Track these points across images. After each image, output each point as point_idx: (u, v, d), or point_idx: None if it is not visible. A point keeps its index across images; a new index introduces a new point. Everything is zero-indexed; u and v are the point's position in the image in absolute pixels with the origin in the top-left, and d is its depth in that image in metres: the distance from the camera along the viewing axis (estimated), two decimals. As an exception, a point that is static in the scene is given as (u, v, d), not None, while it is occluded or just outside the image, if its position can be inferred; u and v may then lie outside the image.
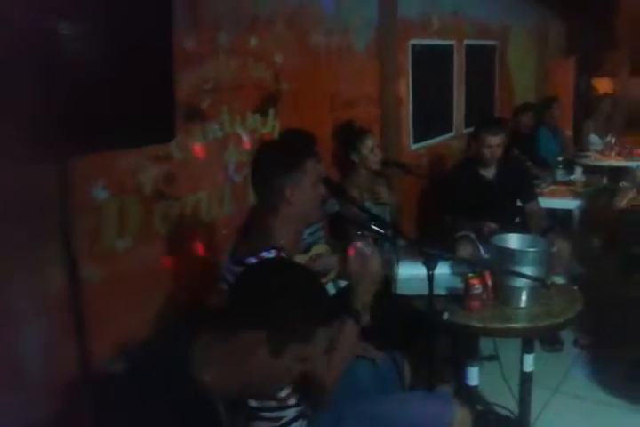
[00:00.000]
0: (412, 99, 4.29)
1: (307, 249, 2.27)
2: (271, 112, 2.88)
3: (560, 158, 4.94)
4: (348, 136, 3.29)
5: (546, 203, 3.93)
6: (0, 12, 1.29)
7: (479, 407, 2.70)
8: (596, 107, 6.08)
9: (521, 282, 2.28)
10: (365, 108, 3.76)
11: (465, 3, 4.92)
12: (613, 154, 5.35)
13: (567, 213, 4.37)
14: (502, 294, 2.35)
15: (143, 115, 1.62)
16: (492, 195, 3.37)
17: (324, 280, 2.06)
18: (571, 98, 7.12)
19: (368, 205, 3.04)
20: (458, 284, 2.44)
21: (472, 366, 2.50)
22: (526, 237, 2.52)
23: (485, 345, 2.84)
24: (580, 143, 6.04)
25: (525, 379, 2.58)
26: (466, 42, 5.04)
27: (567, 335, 3.38)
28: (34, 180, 1.77)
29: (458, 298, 2.35)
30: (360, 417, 1.80)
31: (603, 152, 5.46)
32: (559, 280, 2.52)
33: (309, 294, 1.27)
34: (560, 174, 4.80)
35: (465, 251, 3.08)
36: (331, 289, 2.31)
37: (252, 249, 1.72)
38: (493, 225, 3.17)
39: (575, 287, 2.52)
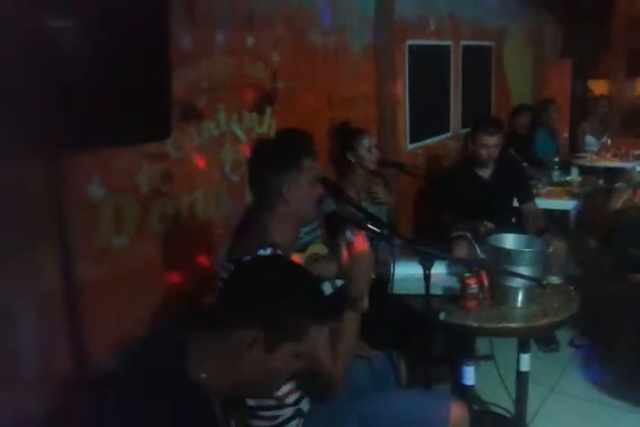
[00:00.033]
0: (409, 99, 4.29)
1: (303, 248, 2.27)
2: (268, 111, 2.88)
3: (556, 159, 4.95)
4: (345, 136, 3.29)
5: (542, 203, 3.94)
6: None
7: (475, 407, 2.70)
8: (592, 108, 6.10)
9: (517, 282, 2.28)
10: (362, 107, 3.77)
11: (462, 4, 4.93)
12: (609, 155, 5.37)
13: (563, 213, 4.38)
14: (499, 294, 2.35)
15: (139, 112, 1.61)
16: (489, 195, 3.37)
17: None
18: (567, 99, 7.13)
19: (365, 204, 3.04)
20: (454, 283, 2.44)
21: (468, 365, 2.49)
22: (522, 237, 2.52)
23: (482, 345, 2.85)
24: (575, 144, 6.06)
25: (521, 378, 2.58)
26: (463, 43, 5.05)
27: (563, 335, 3.39)
28: (29, 177, 1.77)
29: (454, 298, 2.35)
30: (357, 416, 1.80)
31: (598, 153, 5.48)
32: (555, 280, 2.52)
33: (303, 291, 1.27)
34: (556, 175, 4.81)
35: (461, 251, 3.08)
36: (327, 289, 2.31)
37: (248, 248, 1.72)
38: (490, 225, 3.17)
39: (571, 287, 2.52)
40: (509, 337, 2.59)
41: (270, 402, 1.74)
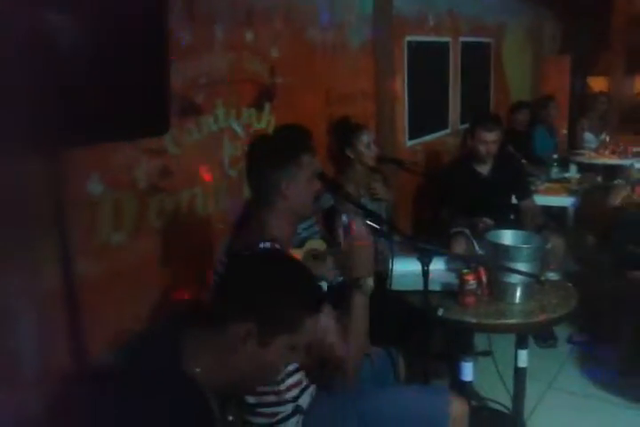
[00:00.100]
0: (408, 95, 4.29)
1: (301, 244, 2.27)
2: (266, 107, 2.87)
3: (555, 156, 4.96)
4: (344, 132, 3.28)
5: (541, 200, 3.94)
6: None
7: (473, 403, 2.70)
8: (591, 105, 6.09)
9: (515, 278, 2.29)
10: (361, 103, 3.76)
11: (460, 0, 4.92)
12: (607, 152, 5.37)
13: (562, 210, 4.39)
14: (497, 290, 2.36)
15: (137, 108, 1.61)
16: (488, 191, 3.37)
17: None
18: (566, 96, 7.12)
19: (364, 201, 3.04)
20: (453, 280, 2.44)
21: (466, 361, 2.50)
22: (521, 233, 2.53)
23: (480, 341, 2.86)
24: (574, 141, 6.06)
25: (519, 374, 2.58)
26: (461, 39, 5.04)
27: (561, 331, 3.40)
28: (28, 174, 1.76)
29: (452, 294, 2.36)
30: (357, 412, 1.80)
31: (597, 150, 5.48)
32: (553, 277, 2.53)
33: (297, 284, 1.26)
34: (555, 172, 4.82)
35: (460, 247, 3.08)
36: (324, 285, 2.31)
37: (246, 243, 1.72)
38: (489, 221, 3.17)
39: (569, 284, 2.53)
40: (507, 333, 2.59)
41: (270, 399, 1.75)
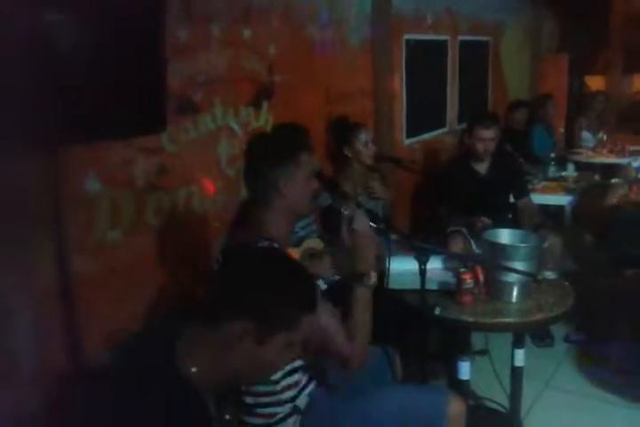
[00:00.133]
0: (406, 93, 4.28)
1: (299, 243, 2.27)
2: (265, 105, 2.87)
3: (552, 155, 4.96)
4: (342, 130, 3.28)
5: (538, 199, 3.95)
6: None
7: (470, 402, 2.70)
8: (589, 104, 6.09)
9: (512, 277, 2.29)
10: (359, 102, 3.76)
11: (459, -2, 4.93)
12: (605, 151, 5.37)
13: (559, 209, 4.39)
14: (494, 289, 2.36)
15: (134, 106, 1.61)
16: (485, 190, 3.37)
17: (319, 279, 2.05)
18: (564, 95, 7.13)
19: (362, 199, 3.03)
20: (450, 278, 2.44)
21: (463, 360, 2.51)
22: (518, 232, 2.53)
23: (477, 340, 2.86)
24: (572, 140, 6.06)
25: (516, 373, 2.59)
26: (460, 37, 5.03)
27: (558, 330, 3.40)
28: (25, 172, 1.76)
29: (450, 293, 2.35)
30: (355, 413, 1.80)
31: (594, 149, 5.48)
32: (551, 275, 2.53)
33: (293, 281, 1.26)
34: (552, 171, 4.82)
35: (457, 246, 3.08)
36: (322, 284, 2.31)
37: (244, 242, 1.71)
38: (487, 220, 3.17)
39: (566, 283, 2.53)
40: (504, 332, 2.60)
41: (267, 399, 1.75)
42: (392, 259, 2.02)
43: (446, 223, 3.33)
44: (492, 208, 3.32)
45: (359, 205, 2.16)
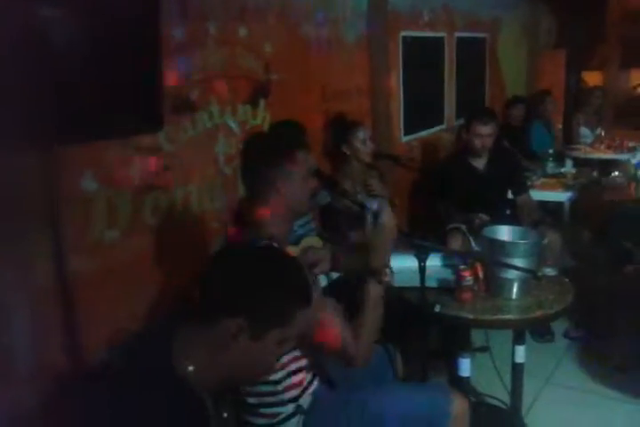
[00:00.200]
0: (403, 91, 4.27)
1: (297, 241, 2.26)
2: (262, 103, 2.86)
3: (551, 151, 4.95)
4: (340, 128, 3.28)
5: (536, 195, 3.94)
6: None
7: (471, 399, 2.70)
8: (586, 100, 6.08)
9: (512, 274, 2.28)
10: (356, 99, 3.75)
11: (455, -6, 4.92)
12: (603, 147, 5.36)
13: (558, 205, 4.38)
14: (493, 286, 2.35)
15: (131, 105, 1.60)
16: (483, 186, 3.37)
17: (316, 271, 2.05)
18: (561, 91, 7.12)
19: (360, 197, 3.03)
20: (449, 276, 2.44)
21: (464, 357, 2.50)
22: (517, 229, 2.52)
23: (477, 337, 2.85)
24: (569, 136, 6.05)
25: (517, 370, 2.59)
26: (456, 34, 5.02)
27: (558, 326, 3.40)
28: (22, 171, 1.75)
29: (449, 290, 2.35)
30: (358, 410, 1.79)
31: (593, 145, 5.47)
32: (550, 272, 2.52)
33: (286, 276, 1.25)
34: (550, 167, 4.82)
35: (456, 243, 3.08)
36: (323, 281, 2.30)
37: (242, 241, 1.71)
38: (485, 217, 3.17)
39: (566, 279, 2.53)
40: (504, 329, 2.59)
41: (270, 399, 1.74)
42: (391, 257, 2.01)
43: (445, 220, 3.33)
44: (491, 205, 3.32)
45: (357, 203, 2.16)
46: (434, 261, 2.49)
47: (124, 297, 2.12)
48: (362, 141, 3.18)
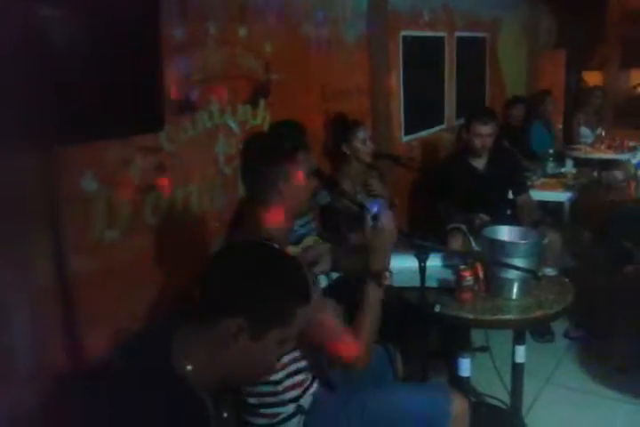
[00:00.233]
0: (404, 90, 4.27)
1: (298, 241, 2.27)
2: (262, 103, 2.85)
3: (551, 151, 4.95)
4: (341, 128, 3.27)
5: (537, 195, 3.94)
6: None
7: (471, 399, 2.70)
8: (587, 100, 6.08)
9: (512, 274, 2.28)
10: (356, 99, 3.74)
11: (456, -6, 4.91)
12: (603, 146, 5.36)
13: (558, 205, 4.38)
14: (494, 286, 2.35)
15: (131, 105, 1.60)
16: (483, 186, 3.37)
17: (316, 270, 2.05)
18: (561, 91, 7.12)
19: (360, 197, 3.03)
20: (449, 276, 2.44)
21: (464, 357, 2.50)
22: (517, 229, 2.52)
23: (477, 337, 2.85)
24: (570, 136, 6.05)
25: (517, 370, 2.58)
26: (457, 34, 5.02)
27: (558, 327, 3.40)
28: (22, 171, 1.75)
29: (449, 290, 2.35)
30: (358, 411, 1.79)
31: (593, 145, 5.47)
32: (551, 272, 2.52)
33: (285, 274, 1.25)
34: (551, 167, 4.82)
35: (456, 243, 3.08)
36: (323, 281, 2.30)
37: (242, 241, 1.70)
38: (485, 217, 3.17)
39: (566, 279, 2.53)
40: (504, 329, 2.59)
41: (271, 399, 1.74)
42: (392, 257, 2.01)
43: (445, 220, 3.33)
44: (491, 205, 3.32)
45: (357, 203, 2.16)
46: (434, 262, 2.48)
47: (124, 297, 2.11)
48: (362, 141, 3.17)
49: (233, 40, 2.65)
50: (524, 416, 2.67)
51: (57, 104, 1.43)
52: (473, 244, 2.90)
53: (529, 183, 4.04)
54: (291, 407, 1.76)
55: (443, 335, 2.94)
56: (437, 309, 2.22)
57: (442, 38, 4.83)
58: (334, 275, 2.53)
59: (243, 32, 2.70)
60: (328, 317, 1.68)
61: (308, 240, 2.34)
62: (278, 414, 1.75)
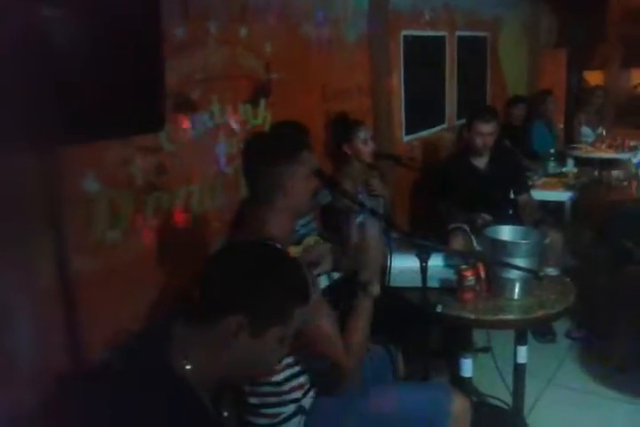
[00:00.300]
0: (404, 90, 4.26)
1: (299, 241, 2.26)
2: (262, 103, 2.85)
3: (552, 150, 4.95)
4: (341, 128, 3.27)
5: (538, 195, 3.94)
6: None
7: (473, 399, 2.69)
8: (588, 99, 6.08)
9: (514, 274, 2.28)
10: (357, 99, 3.74)
11: (457, -7, 4.91)
12: (604, 146, 5.36)
13: (559, 205, 4.38)
14: (495, 286, 2.35)
15: (132, 105, 1.59)
16: (485, 185, 3.37)
17: (317, 270, 2.04)
18: (562, 90, 7.11)
19: (361, 197, 3.02)
20: (451, 276, 2.43)
21: (465, 357, 2.50)
22: (519, 228, 2.52)
23: (479, 337, 2.85)
24: (571, 135, 6.05)
25: (519, 371, 2.58)
26: (457, 33, 5.02)
27: (560, 327, 3.39)
28: (23, 172, 1.74)
29: (451, 290, 2.35)
30: (358, 411, 1.79)
31: (594, 144, 5.47)
32: (552, 272, 2.52)
33: (285, 274, 1.25)
34: (552, 166, 4.82)
35: (458, 243, 3.08)
36: (324, 281, 2.30)
37: (243, 241, 1.70)
38: (488, 217, 3.16)
39: (567, 279, 2.52)
40: (506, 329, 2.59)
41: (273, 399, 1.74)
42: (393, 257, 2.01)
43: (446, 220, 3.32)
44: (493, 204, 3.31)
45: (358, 203, 2.16)
46: (435, 261, 2.47)
47: (125, 297, 2.11)
48: (363, 141, 3.17)
49: (234, 40, 2.65)
50: (525, 417, 2.66)
51: (58, 104, 1.43)
52: (475, 243, 2.90)
53: (530, 183, 4.03)
54: (292, 407, 1.76)
55: (444, 335, 2.94)
56: (439, 309, 2.22)
57: (443, 38, 4.82)
58: (335, 275, 2.52)
59: (243, 32, 2.70)
60: (324, 324, 1.67)
61: (309, 240, 2.34)
62: (279, 414, 1.75)
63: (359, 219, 1.82)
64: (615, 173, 4.51)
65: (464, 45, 5.12)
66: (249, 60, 2.75)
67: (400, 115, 4.27)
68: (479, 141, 3.37)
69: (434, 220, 3.50)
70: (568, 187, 4.38)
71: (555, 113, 5.79)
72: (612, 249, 3.89)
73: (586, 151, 5.34)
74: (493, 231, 2.45)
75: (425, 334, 2.20)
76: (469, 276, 2.28)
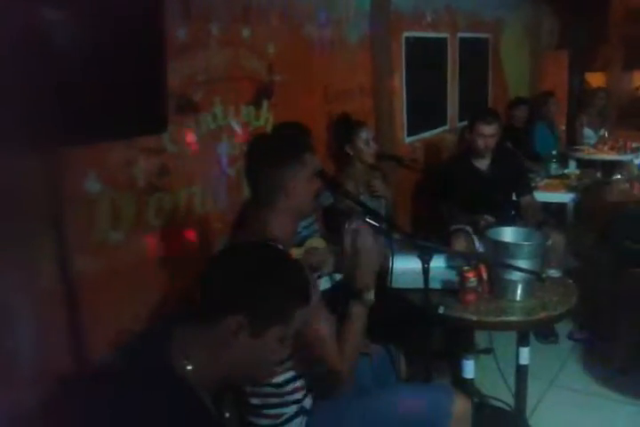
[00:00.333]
0: (406, 91, 4.27)
1: (301, 242, 2.26)
2: (265, 104, 2.85)
3: (554, 152, 4.95)
4: (344, 129, 3.27)
5: (540, 196, 3.93)
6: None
7: (475, 400, 2.69)
8: (590, 101, 6.07)
9: (516, 275, 2.27)
10: (359, 100, 3.74)
11: (458, -5, 4.91)
12: (606, 148, 5.36)
13: (561, 206, 4.38)
14: (497, 288, 2.34)
15: (135, 106, 1.60)
16: (487, 187, 3.37)
17: (319, 272, 2.04)
18: (564, 92, 7.11)
19: (363, 198, 3.02)
20: (453, 277, 2.43)
21: (468, 359, 2.50)
22: (521, 230, 2.52)
23: (481, 338, 2.85)
24: (573, 137, 6.05)
25: (521, 372, 2.58)
26: (459, 35, 5.02)
27: (562, 328, 3.39)
28: (26, 172, 1.75)
29: (453, 291, 2.34)
30: (361, 412, 1.79)
31: (596, 146, 5.47)
32: (554, 273, 2.52)
33: (286, 275, 1.26)
34: (554, 168, 4.81)
35: (460, 244, 3.07)
36: (326, 283, 2.30)
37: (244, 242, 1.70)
38: (490, 218, 3.16)
39: (570, 281, 2.52)
40: (508, 331, 2.59)
41: (274, 400, 1.74)
42: (395, 258, 2.01)
43: (448, 221, 3.32)
44: (495, 206, 3.31)
45: (360, 204, 2.16)
46: (437, 263, 2.48)
47: (127, 298, 2.11)
48: (365, 142, 3.17)
49: (236, 41, 2.65)
50: (527, 418, 2.66)
51: (60, 105, 1.43)
52: (477, 245, 2.90)
53: (532, 184, 4.03)
54: (294, 408, 1.76)
55: (446, 337, 2.94)
56: (441, 310, 2.22)
57: (444, 39, 4.82)
58: (337, 276, 2.52)
59: (246, 33, 2.70)
60: (322, 328, 1.67)
61: (311, 241, 2.33)
62: (282, 414, 1.75)
63: (352, 225, 1.80)
64: (617, 174, 4.51)
65: (466, 47, 5.12)
66: (251, 61, 2.76)
67: (402, 116, 4.27)
68: (481, 143, 3.37)
69: (436, 221, 3.49)
70: (570, 188, 4.38)
71: (557, 115, 5.78)
72: (614, 251, 3.88)
73: (588, 153, 5.34)
74: (496, 233, 2.45)
75: (427, 336, 2.20)
76: (471, 277, 2.28)
